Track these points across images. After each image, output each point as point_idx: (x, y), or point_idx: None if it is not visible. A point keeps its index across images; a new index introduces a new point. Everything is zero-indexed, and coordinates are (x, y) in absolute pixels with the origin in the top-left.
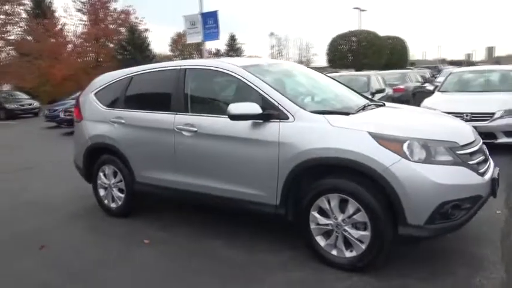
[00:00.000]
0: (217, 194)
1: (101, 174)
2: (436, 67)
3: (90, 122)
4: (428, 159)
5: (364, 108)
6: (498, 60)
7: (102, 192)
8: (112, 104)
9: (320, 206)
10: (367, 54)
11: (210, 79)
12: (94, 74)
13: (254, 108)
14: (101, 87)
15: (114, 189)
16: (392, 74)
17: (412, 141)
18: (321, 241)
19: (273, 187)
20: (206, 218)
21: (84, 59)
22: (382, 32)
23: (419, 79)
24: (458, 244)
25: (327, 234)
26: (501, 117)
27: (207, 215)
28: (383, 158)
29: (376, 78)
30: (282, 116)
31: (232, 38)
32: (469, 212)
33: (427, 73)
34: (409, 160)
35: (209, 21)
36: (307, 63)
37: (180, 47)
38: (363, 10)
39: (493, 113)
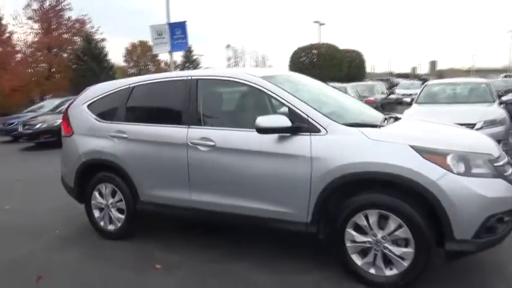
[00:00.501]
0: (239, 213)
1: (96, 193)
2: (388, 80)
3: (83, 136)
4: (472, 172)
5: (385, 120)
6: (441, 74)
7: (97, 213)
8: (110, 117)
9: (357, 222)
10: (328, 66)
11: (227, 90)
12: (47, 85)
13: (283, 121)
14: (95, 99)
15: (112, 209)
16: (361, 86)
17: (455, 154)
18: (357, 260)
19: (304, 204)
20: (211, 237)
21: (35, 69)
22: (340, 46)
23: (385, 91)
24: (492, 257)
25: (362, 252)
26: (481, 128)
27: (212, 234)
28: (429, 172)
29: (352, 89)
30: (312, 129)
31: (189, 50)
32: (509, 225)
33: (383, 85)
34: (455, 173)
35: (177, 31)
36: None
37: (135, 57)
38: (322, 24)
39: (474, 124)
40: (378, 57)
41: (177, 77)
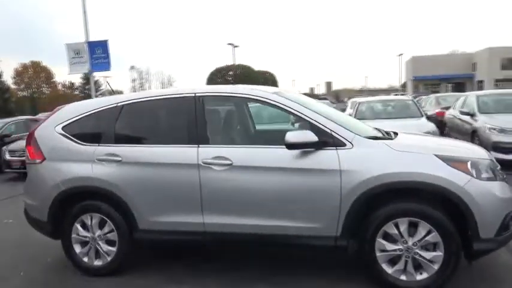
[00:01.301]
0: (262, 232)
1: (78, 226)
2: None
3: (59, 162)
4: (485, 177)
5: (387, 133)
6: (337, 93)
7: (78, 248)
8: (95, 140)
9: (386, 231)
10: None
11: (239, 107)
12: None
13: (311, 136)
14: (72, 120)
15: (100, 242)
16: None
17: (472, 161)
18: (388, 268)
19: (334, 217)
20: (212, 262)
21: None
22: (254, 67)
23: None
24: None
25: (391, 260)
26: None
27: (211, 259)
28: (457, 178)
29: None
30: (338, 143)
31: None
32: None
33: None
34: (476, 178)
35: (97, 50)
36: None
37: (26, 79)
38: (236, 46)
39: None
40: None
41: (179, 94)
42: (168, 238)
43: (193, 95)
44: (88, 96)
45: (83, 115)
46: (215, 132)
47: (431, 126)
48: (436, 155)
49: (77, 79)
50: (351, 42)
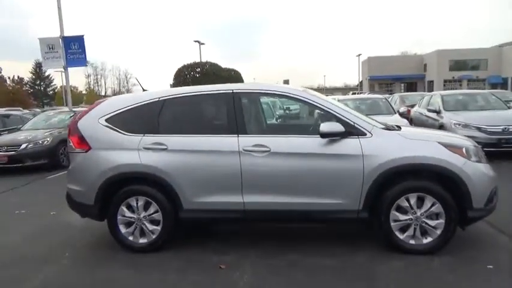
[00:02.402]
0: (295, 209)
1: (124, 208)
2: None
3: (107, 150)
4: (476, 159)
5: (395, 126)
6: None
7: (123, 229)
8: (140, 130)
9: (399, 204)
10: (211, 84)
11: (271, 102)
12: None
13: (339, 127)
14: (116, 113)
15: (145, 222)
16: None
17: (466, 147)
18: (400, 235)
19: (357, 194)
20: (253, 233)
21: None
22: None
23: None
24: None
25: (402, 228)
26: None
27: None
28: (456, 160)
29: None
30: (360, 133)
31: (39, 65)
32: (497, 196)
33: None
34: (471, 160)
35: (73, 45)
36: (127, 92)
37: None
38: (202, 43)
39: None
40: (245, 76)
41: (217, 90)
42: (211, 216)
43: (231, 91)
44: (39, 92)
45: (125, 108)
46: (251, 123)
47: (405, 122)
48: (439, 142)
49: (26, 73)
50: (310, 41)
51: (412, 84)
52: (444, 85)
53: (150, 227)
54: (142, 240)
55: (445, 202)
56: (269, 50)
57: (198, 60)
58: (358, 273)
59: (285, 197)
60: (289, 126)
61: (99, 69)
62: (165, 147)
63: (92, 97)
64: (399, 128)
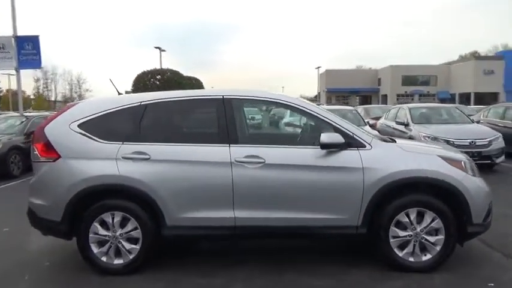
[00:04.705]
0: (290, 224)
1: (97, 224)
2: None
3: (79, 160)
4: (472, 174)
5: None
6: None
7: (95, 248)
8: (118, 138)
9: (399, 220)
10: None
11: (264, 110)
12: None
13: (339, 138)
14: (90, 117)
15: (121, 240)
16: None
17: (465, 160)
18: (399, 252)
19: (356, 209)
20: (223, 255)
21: None
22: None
23: None
24: None
25: (401, 245)
26: None
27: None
28: (456, 174)
29: None
30: (359, 145)
31: None
32: (492, 210)
33: None
34: (469, 174)
35: (26, 46)
36: (79, 98)
37: None
38: (163, 50)
39: None
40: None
41: (206, 96)
42: (198, 233)
43: (221, 97)
44: None
45: (101, 113)
46: (244, 132)
47: (376, 134)
48: (439, 156)
49: None
50: (271, 53)
51: (366, 97)
52: (397, 99)
53: (128, 245)
54: (118, 261)
55: (446, 217)
56: (230, 60)
57: (157, 67)
58: None
59: (280, 212)
60: (283, 135)
61: (49, 74)
62: (147, 156)
63: (40, 102)
64: (393, 140)
